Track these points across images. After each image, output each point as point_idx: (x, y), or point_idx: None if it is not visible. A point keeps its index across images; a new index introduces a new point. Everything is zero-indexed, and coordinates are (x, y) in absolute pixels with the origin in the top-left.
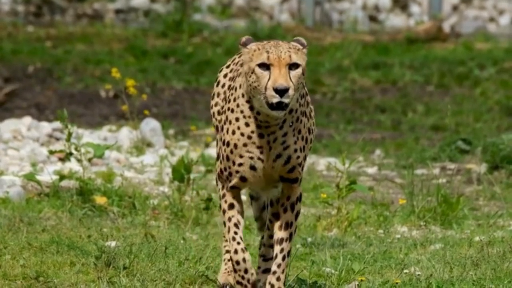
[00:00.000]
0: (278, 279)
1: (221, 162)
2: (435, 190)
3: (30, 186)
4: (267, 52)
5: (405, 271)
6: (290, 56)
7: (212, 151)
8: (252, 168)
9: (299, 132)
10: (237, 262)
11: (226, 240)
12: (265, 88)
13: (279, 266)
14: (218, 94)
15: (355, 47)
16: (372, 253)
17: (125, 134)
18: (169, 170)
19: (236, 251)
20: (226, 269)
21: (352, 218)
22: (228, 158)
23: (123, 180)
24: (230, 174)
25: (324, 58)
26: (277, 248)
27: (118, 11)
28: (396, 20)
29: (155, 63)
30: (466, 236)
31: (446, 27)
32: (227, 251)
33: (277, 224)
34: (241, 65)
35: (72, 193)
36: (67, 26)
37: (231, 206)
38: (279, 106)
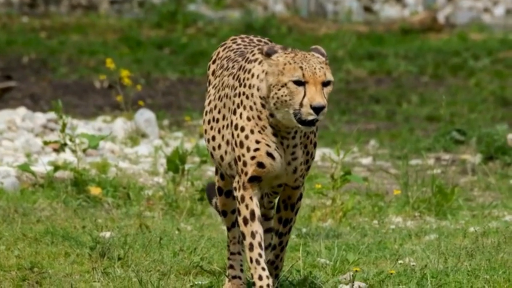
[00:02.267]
0: (276, 268)
1: (234, 150)
2: (430, 180)
3: (24, 177)
4: (301, 68)
5: (399, 261)
6: (325, 74)
7: None
8: (269, 154)
9: (305, 147)
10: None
11: (233, 254)
12: (301, 105)
13: (277, 256)
14: (208, 90)
15: (349, 38)
16: (367, 244)
17: (120, 125)
18: (163, 160)
19: (260, 278)
20: (231, 285)
21: (346, 208)
22: (242, 144)
23: (118, 171)
24: (245, 164)
25: None
26: (275, 240)
27: (112, 2)
28: (390, 11)
29: (150, 54)
30: (461, 227)
31: (441, 17)
32: (231, 266)
33: (277, 216)
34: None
35: (66, 183)
36: (62, 17)
37: (253, 216)
38: (311, 122)
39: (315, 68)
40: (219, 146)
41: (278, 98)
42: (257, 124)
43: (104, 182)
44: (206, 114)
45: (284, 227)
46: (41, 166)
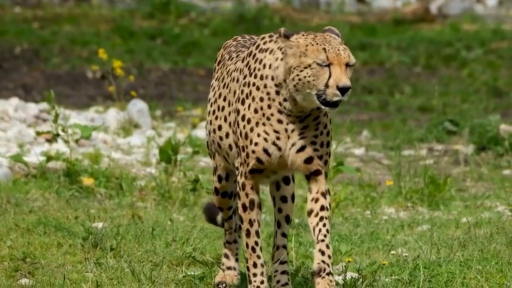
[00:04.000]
0: (327, 246)
1: (239, 139)
2: (422, 171)
3: (17, 167)
4: (324, 50)
5: (392, 252)
6: (349, 56)
7: (199, 132)
8: (266, 151)
9: (325, 126)
10: (254, 274)
11: (229, 242)
12: (326, 85)
13: (325, 236)
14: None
15: (342, 28)
16: (359, 234)
17: (112, 115)
18: (156, 151)
19: (255, 265)
20: (224, 275)
21: (339, 199)
22: (246, 136)
23: (110, 161)
24: (247, 155)
25: None
26: (319, 226)
27: None
28: (383, 1)
29: (142, 44)
30: (453, 217)
31: (433, 8)
32: (226, 256)
33: (312, 214)
34: (282, 54)
35: (59, 174)
36: (54, 7)
37: (252, 205)
38: (335, 103)
39: (338, 50)
40: (227, 135)
41: (300, 79)
42: (263, 115)
43: (97, 172)
44: (211, 106)
45: (322, 211)
46: (34, 157)
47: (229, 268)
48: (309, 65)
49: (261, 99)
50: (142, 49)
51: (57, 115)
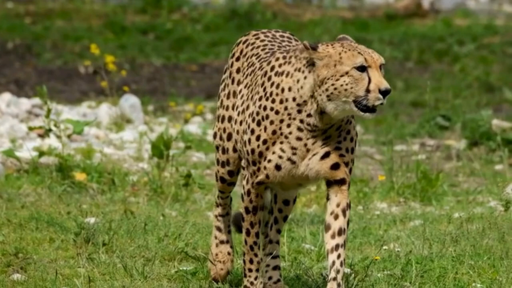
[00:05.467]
0: (339, 285)
1: (249, 154)
2: (415, 166)
3: (9, 163)
4: (360, 53)
5: (384, 247)
6: (380, 57)
7: (192, 127)
8: (278, 167)
9: (348, 132)
10: (250, 270)
11: (221, 216)
12: (367, 90)
13: (338, 272)
14: (227, 86)
15: (334, 24)
16: (352, 230)
17: (105, 111)
18: (148, 146)
19: (251, 261)
20: (217, 254)
21: None
22: (260, 154)
23: (103, 157)
24: (259, 169)
25: (303, 34)
26: (333, 256)
27: None
28: None
29: (134, 39)
30: (446, 213)
31: (426, 3)
32: (218, 229)
33: (329, 233)
34: (307, 68)
35: (51, 169)
36: (46, 2)
37: (255, 210)
38: (374, 109)
39: (370, 52)
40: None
41: (336, 88)
42: (281, 134)
43: (89, 167)
44: (238, 115)
45: (339, 236)
46: (26, 152)
47: (222, 242)
48: (347, 72)
49: (281, 121)
50: (134, 44)
51: (49, 110)
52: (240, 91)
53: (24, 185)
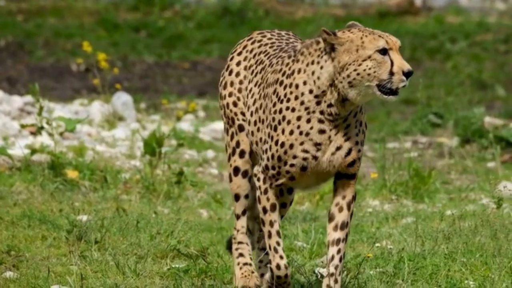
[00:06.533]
0: (336, 281)
1: (268, 160)
2: (407, 163)
3: (1, 160)
4: (381, 36)
5: (376, 244)
6: (398, 40)
7: (184, 125)
8: (303, 169)
9: (360, 124)
10: (279, 277)
11: (241, 243)
12: (391, 73)
13: (336, 267)
14: (232, 83)
15: (326, 21)
16: None
17: (97, 108)
18: (140, 144)
19: (278, 266)
20: (242, 273)
21: (323, 191)
22: (280, 159)
23: (95, 154)
24: (279, 173)
25: (296, 32)
26: (333, 249)
27: None
28: None
29: (127, 37)
30: (438, 210)
31: (418, 0)
32: (241, 255)
33: (331, 225)
34: (327, 54)
35: (43, 167)
36: (38, 0)
37: (274, 208)
38: (396, 92)
39: (388, 35)
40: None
41: (358, 73)
42: (301, 133)
43: (81, 165)
44: (252, 115)
45: (342, 231)
46: (18, 149)
47: (245, 264)
48: (369, 56)
49: (299, 118)
50: (126, 41)
51: (41, 108)
52: (251, 89)
53: (16, 183)
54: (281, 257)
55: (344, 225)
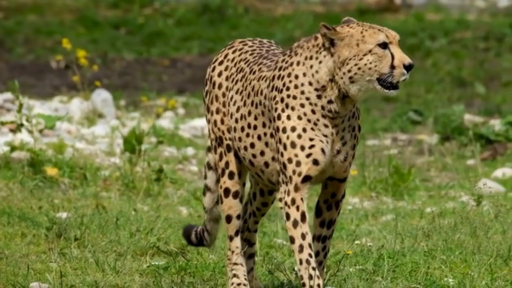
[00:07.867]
0: (318, 277)
1: (282, 155)
2: (387, 161)
3: None
4: (380, 30)
5: (356, 242)
6: (397, 34)
7: (164, 122)
8: (323, 151)
9: (353, 129)
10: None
11: (236, 264)
12: (392, 67)
13: (320, 263)
14: (217, 98)
15: (306, 18)
16: None
17: (76, 105)
18: (120, 141)
19: (311, 277)
20: None
21: None
22: (294, 145)
23: (74, 151)
24: (299, 162)
25: (276, 29)
26: (319, 246)
27: None
28: None
29: (106, 34)
30: (418, 207)
31: None
32: (235, 275)
33: (319, 220)
34: (326, 50)
35: (23, 164)
36: None
37: (304, 217)
38: (397, 85)
39: (387, 29)
40: (262, 153)
41: (359, 68)
42: (309, 121)
43: (61, 162)
44: (236, 122)
45: (328, 229)
46: None
47: (239, 284)
48: (370, 51)
49: (302, 105)
50: (106, 39)
51: (21, 105)
52: (232, 97)
53: None
54: (314, 269)
55: (331, 223)
